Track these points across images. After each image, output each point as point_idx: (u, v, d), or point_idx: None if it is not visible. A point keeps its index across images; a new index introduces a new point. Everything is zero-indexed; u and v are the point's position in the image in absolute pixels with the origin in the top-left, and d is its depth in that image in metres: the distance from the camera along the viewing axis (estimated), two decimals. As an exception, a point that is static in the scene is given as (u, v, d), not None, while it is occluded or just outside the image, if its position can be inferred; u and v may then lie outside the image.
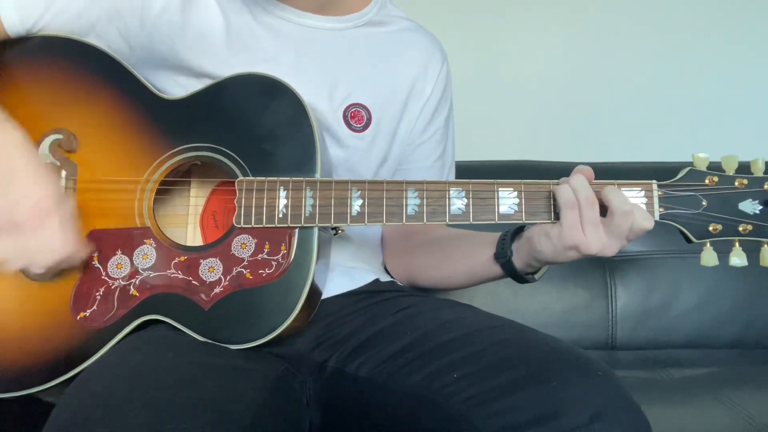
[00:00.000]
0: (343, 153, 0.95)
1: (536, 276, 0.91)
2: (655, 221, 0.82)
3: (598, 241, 0.79)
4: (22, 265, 0.78)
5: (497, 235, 0.93)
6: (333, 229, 0.88)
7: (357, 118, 0.95)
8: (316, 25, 0.96)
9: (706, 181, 0.82)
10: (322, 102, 0.94)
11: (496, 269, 0.92)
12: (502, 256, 0.89)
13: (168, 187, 0.90)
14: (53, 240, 0.77)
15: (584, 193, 0.79)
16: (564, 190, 0.80)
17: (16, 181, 0.76)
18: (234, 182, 0.84)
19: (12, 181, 0.76)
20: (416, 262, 1.05)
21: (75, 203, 0.81)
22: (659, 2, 1.64)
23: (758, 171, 0.82)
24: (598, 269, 1.36)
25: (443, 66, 1.05)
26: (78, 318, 0.83)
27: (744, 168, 0.82)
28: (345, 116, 0.95)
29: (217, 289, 0.81)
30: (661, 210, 0.82)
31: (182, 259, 0.83)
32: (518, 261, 0.88)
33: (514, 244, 0.89)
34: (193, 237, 0.91)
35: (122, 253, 0.84)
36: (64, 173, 0.87)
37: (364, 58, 0.98)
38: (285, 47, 0.94)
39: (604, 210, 0.80)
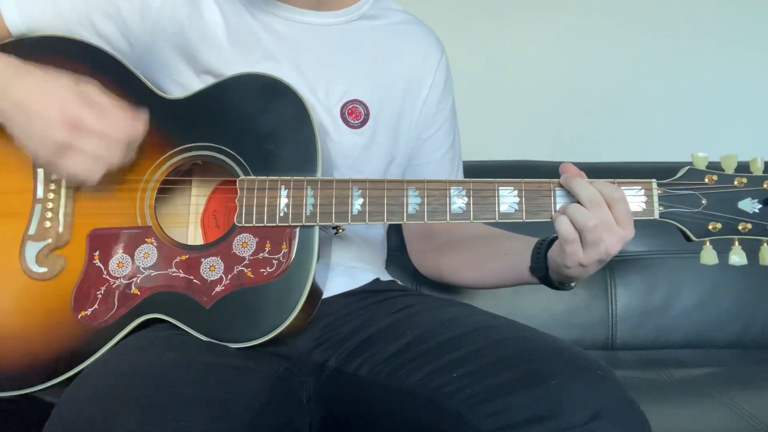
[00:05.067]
0: (342, 150, 0.95)
1: (572, 284, 0.90)
2: (655, 220, 0.82)
3: (614, 243, 0.79)
4: (103, 168, 0.80)
5: (527, 241, 0.92)
6: (334, 228, 0.88)
7: (354, 114, 0.96)
8: (313, 21, 0.97)
9: (706, 180, 0.82)
10: (320, 99, 0.94)
11: (533, 279, 0.92)
12: (539, 270, 0.89)
13: (169, 187, 0.90)
14: (104, 139, 0.78)
15: (581, 223, 0.79)
16: (562, 224, 0.80)
17: (29, 112, 0.77)
18: (235, 181, 0.84)
19: (27, 114, 0.78)
20: (445, 262, 1.05)
21: (100, 90, 0.81)
22: (659, 3, 1.64)
23: (757, 170, 0.82)
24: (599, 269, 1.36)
25: (442, 58, 1.05)
26: (79, 317, 0.83)
27: (743, 167, 0.82)
28: (342, 113, 0.95)
29: (218, 288, 0.82)
30: (660, 208, 0.82)
31: (183, 258, 0.83)
32: (554, 274, 0.88)
33: (548, 257, 0.88)
34: (194, 236, 0.92)
35: (123, 252, 0.84)
36: (65, 173, 0.87)
37: (360, 53, 0.98)
38: (283, 45, 0.95)
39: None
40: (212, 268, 0.82)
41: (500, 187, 0.83)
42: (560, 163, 0.85)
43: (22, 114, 0.79)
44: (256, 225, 0.83)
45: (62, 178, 0.84)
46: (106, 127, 0.79)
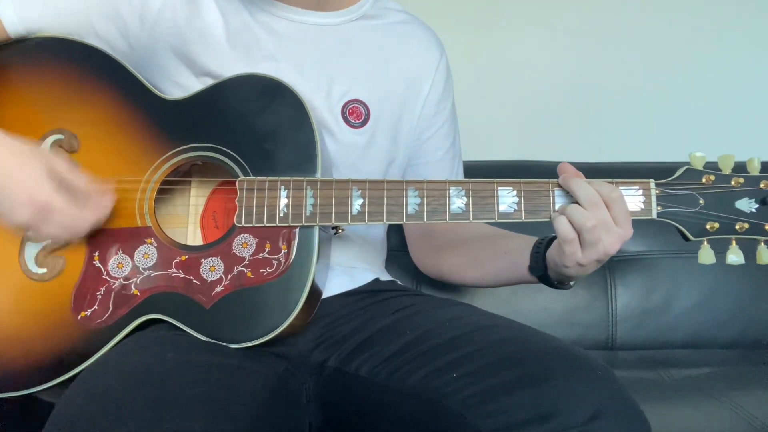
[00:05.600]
0: (342, 149, 0.95)
1: (571, 283, 0.90)
2: (653, 219, 0.82)
3: (612, 243, 0.79)
4: (64, 241, 0.83)
5: (527, 240, 0.92)
6: (333, 228, 0.88)
7: (355, 114, 0.96)
8: (313, 22, 0.97)
9: (703, 180, 0.83)
10: (320, 99, 0.94)
11: (532, 279, 0.92)
12: (538, 269, 0.89)
13: (169, 187, 0.90)
14: (71, 219, 0.79)
15: (580, 223, 0.79)
16: (561, 224, 0.80)
17: (3, 188, 0.77)
18: (234, 182, 0.84)
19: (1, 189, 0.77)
20: (445, 261, 1.05)
21: (71, 169, 0.81)
22: (658, 2, 1.64)
23: (754, 170, 0.82)
24: (598, 269, 1.35)
25: (442, 58, 1.05)
26: (79, 317, 0.83)
27: (740, 167, 0.83)
28: (343, 113, 0.95)
29: (218, 288, 0.82)
30: (658, 208, 0.82)
31: (183, 258, 0.83)
32: (552, 273, 0.88)
33: (546, 256, 0.88)
34: (194, 237, 0.92)
35: (123, 253, 0.84)
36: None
37: (361, 53, 0.98)
38: (283, 45, 0.95)
39: None
40: (212, 269, 0.82)
41: (499, 187, 0.83)
42: (559, 163, 0.85)
43: None
44: (256, 225, 0.83)
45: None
46: (73, 214, 0.79)
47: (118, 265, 0.84)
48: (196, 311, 0.81)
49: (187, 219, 0.92)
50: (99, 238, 0.85)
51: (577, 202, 0.80)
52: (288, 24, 0.96)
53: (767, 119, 1.65)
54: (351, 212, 0.83)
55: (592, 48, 1.65)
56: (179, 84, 0.93)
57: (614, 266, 1.36)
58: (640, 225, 0.82)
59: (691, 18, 1.64)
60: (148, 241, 0.84)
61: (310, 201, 0.83)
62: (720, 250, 0.82)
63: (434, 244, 1.07)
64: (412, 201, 0.83)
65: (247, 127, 0.86)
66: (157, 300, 0.82)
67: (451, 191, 0.83)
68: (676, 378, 1.18)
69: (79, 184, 0.80)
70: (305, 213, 0.82)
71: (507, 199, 0.83)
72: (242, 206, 0.83)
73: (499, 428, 0.68)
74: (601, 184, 0.81)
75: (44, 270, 0.85)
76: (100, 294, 0.83)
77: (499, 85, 1.65)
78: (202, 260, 0.83)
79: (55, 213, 0.78)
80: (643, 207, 0.82)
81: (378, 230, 1.07)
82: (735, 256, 0.81)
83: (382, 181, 0.83)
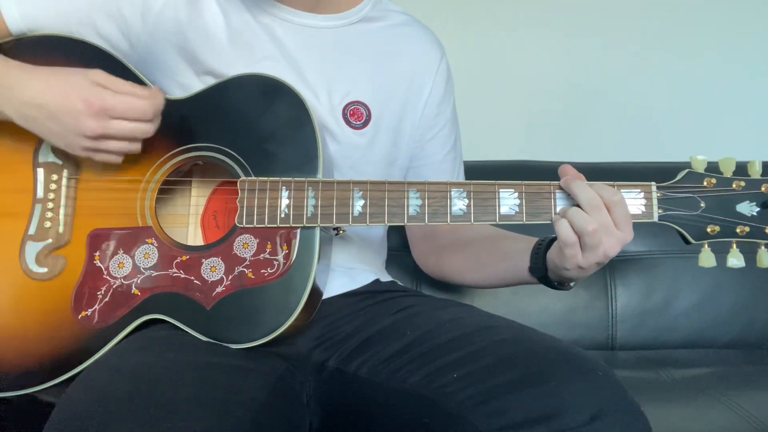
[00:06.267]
0: (344, 150, 0.95)
1: (572, 284, 0.90)
2: (654, 222, 0.82)
3: (612, 246, 0.79)
4: (140, 141, 0.84)
5: (528, 241, 0.92)
6: (334, 229, 0.89)
7: (356, 115, 0.96)
8: (313, 24, 0.97)
9: (705, 183, 0.83)
10: (322, 101, 0.94)
11: (533, 280, 0.92)
12: (538, 270, 0.89)
13: (170, 187, 0.90)
14: (133, 109, 0.81)
15: (581, 227, 0.79)
16: (562, 228, 0.80)
17: (52, 110, 0.80)
18: (235, 182, 0.84)
19: (50, 112, 0.80)
20: (447, 264, 1.05)
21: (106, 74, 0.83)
22: (659, 3, 1.64)
23: (755, 173, 0.82)
24: (599, 269, 1.36)
25: (442, 59, 1.06)
26: (79, 317, 0.83)
27: (741, 170, 0.83)
28: (344, 114, 0.95)
29: (219, 289, 0.82)
30: (660, 211, 0.82)
31: (184, 258, 0.83)
32: (552, 274, 0.88)
33: (546, 257, 0.88)
34: (194, 237, 0.92)
35: (124, 253, 0.84)
36: (66, 172, 0.87)
37: (361, 55, 0.99)
38: (284, 47, 0.95)
39: None
40: (213, 269, 0.82)
41: (501, 189, 0.83)
42: (560, 163, 0.85)
43: (45, 113, 0.80)
44: (257, 226, 0.83)
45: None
46: (131, 105, 0.81)
47: (118, 264, 0.84)
48: (196, 311, 0.81)
49: (188, 219, 0.92)
50: (100, 237, 0.85)
51: (578, 205, 0.80)
52: (289, 26, 0.96)
53: (768, 121, 1.65)
54: (352, 213, 0.83)
55: (593, 48, 1.65)
56: (180, 83, 0.93)
57: (614, 266, 1.36)
58: (641, 225, 0.82)
59: (691, 19, 1.64)
60: (149, 241, 0.84)
61: (312, 202, 0.83)
62: (720, 252, 0.82)
63: (436, 244, 1.07)
64: (414, 202, 0.83)
65: (249, 127, 0.86)
66: (158, 300, 0.82)
67: (452, 193, 0.83)
68: (676, 378, 1.18)
69: (120, 83, 0.82)
70: (306, 214, 0.82)
71: (508, 201, 0.83)
72: (243, 207, 0.83)
73: (500, 428, 0.68)
74: (603, 187, 0.81)
75: (45, 269, 0.85)
76: (101, 294, 0.83)
77: (500, 86, 1.65)
78: (203, 260, 0.83)
79: (116, 108, 0.80)
80: (644, 210, 0.82)
81: (378, 231, 1.07)
82: (735, 260, 0.81)
83: (383, 183, 0.83)
